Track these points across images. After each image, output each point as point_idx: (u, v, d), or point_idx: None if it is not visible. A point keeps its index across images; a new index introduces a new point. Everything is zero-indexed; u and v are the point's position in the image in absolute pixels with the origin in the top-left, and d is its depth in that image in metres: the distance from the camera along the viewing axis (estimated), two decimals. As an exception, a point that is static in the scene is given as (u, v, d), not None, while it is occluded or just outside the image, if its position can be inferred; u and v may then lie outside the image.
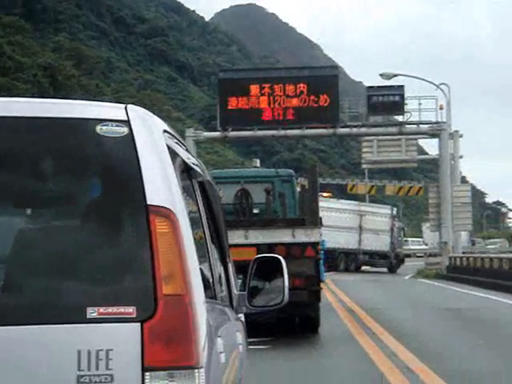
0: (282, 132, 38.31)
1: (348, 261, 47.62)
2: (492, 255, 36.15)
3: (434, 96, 40.48)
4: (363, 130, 39.45)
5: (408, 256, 60.11)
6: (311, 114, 36.93)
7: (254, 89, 37.02)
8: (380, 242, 47.81)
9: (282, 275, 3.97)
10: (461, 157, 43.14)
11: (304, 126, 37.89)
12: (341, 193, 64.01)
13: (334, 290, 28.08)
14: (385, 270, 48.07)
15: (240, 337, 4.18)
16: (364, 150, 44.78)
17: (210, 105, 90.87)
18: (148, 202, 2.79)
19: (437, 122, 39.73)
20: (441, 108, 39.91)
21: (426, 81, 42.64)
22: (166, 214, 2.79)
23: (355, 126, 39.25)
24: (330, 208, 45.89)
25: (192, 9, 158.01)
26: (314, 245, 14.07)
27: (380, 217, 48.44)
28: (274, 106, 37.03)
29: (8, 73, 67.10)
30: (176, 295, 2.75)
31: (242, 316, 4.38)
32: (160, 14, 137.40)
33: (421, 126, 39.87)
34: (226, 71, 44.10)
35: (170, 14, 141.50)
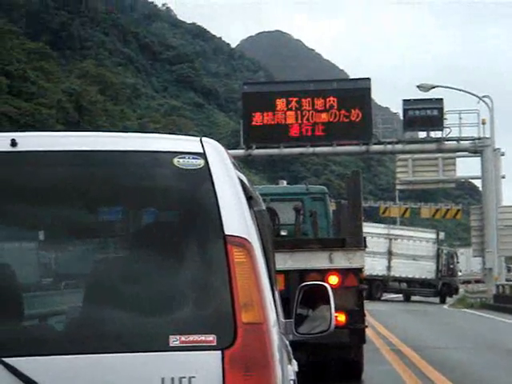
0: (311, 149, 35.55)
1: (372, 288, 43.83)
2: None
3: (476, 110, 37.51)
4: (398, 146, 36.58)
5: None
6: (342, 130, 34.22)
7: (281, 103, 34.29)
8: (420, 269, 44.24)
9: (328, 303, 3.84)
10: (503, 177, 40.25)
11: (334, 143, 35.09)
12: (372, 216, 60.96)
13: (369, 320, 24.90)
14: (436, 300, 44.20)
15: (295, 364, 4.25)
16: (398, 169, 42.33)
17: (236, 131, 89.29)
18: (226, 232, 2.98)
19: (479, 138, 36.72)
20: (483, 123, 36.90)
21: (468, 92, 39.42)
22: (243, 243, 2.99)
23: (390, 143, 36.35)
24: None
25: (218, 36, 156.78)
26: (357, 271, 11.22)
27: (420, 241, 44.74)
28: (301, 121, 34.30)
29: (31, 98, 66.70)
30: (255, 323, 2.91)
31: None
32: (186, 40, 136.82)
33: (461, 142, 36.98)
34: (251, 84, 41.25)
35: (196, 41, 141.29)
